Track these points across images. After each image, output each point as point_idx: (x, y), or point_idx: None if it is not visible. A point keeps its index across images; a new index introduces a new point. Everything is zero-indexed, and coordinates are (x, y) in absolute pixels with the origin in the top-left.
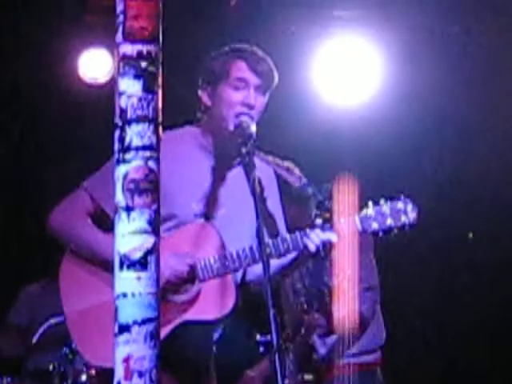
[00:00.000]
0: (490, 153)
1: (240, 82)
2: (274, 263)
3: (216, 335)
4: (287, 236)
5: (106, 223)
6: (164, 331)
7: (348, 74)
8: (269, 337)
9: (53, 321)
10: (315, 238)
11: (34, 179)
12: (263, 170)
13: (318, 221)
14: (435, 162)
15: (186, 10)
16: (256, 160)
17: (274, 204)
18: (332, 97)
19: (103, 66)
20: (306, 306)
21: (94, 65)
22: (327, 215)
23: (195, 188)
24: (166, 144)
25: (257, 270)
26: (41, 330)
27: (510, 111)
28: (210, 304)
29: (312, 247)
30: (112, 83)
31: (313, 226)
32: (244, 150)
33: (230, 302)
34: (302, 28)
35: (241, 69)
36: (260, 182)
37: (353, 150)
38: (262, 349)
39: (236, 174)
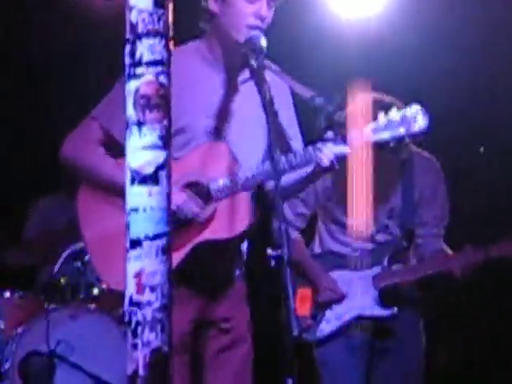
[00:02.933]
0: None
1: None
2: (288, 177)
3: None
4: (300, 151)
5: (117, 150)
6: (182, 252)
7: None
8: (280, 251)
9: (70, 250)
10: (328, 152)
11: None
12: (278, 84)
13: (329, 134)
14: (447, 71)
15: None
16: (270, 74)
17: (289, 120)
18: (340, 8)
19: None
20: None
21: None
22: (338, 127)
23: (205, 103)
24: (173, 60)
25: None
26: (61, 260)
27: None
28: (226, 222)
29: (325, 161)
30: None
31: (324, 139)
32: (255, 64)
33: (246, 220)
34: None
35: None
36: (272, 97)
37: (361, 62)
38: (273, 262)
39: (247, 89)
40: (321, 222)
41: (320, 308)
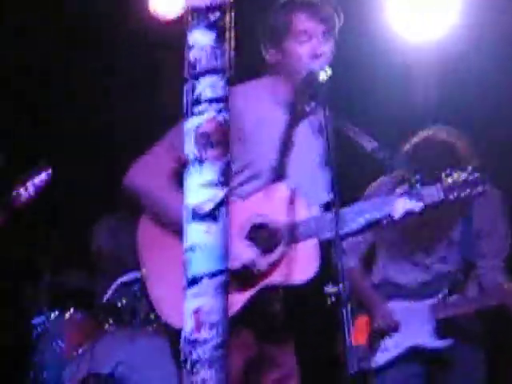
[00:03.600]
0: None
1: (303, 35)
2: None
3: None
4: (368, 203)
5: None
6: (246, 295)
7: (424, 7)
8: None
9: (122, 280)
10: (400, 208)
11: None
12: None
13: (398, 190)
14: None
15: None
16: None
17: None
18: (407, 33)
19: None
20: None
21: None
22: (405, 183)
23: (271, 137)
24: (247, 94)
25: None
26: (112, 289)
27: None
28: (295, 268)
29: (397, 214)
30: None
31: (401, 194)
32: (319, 100)
33: (314, 267)
34: None
35: (302, 20)
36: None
37: (430, 86)
38: (332, 299)
39: (306, 127)
40: (380, 251)
41: (377, 337)
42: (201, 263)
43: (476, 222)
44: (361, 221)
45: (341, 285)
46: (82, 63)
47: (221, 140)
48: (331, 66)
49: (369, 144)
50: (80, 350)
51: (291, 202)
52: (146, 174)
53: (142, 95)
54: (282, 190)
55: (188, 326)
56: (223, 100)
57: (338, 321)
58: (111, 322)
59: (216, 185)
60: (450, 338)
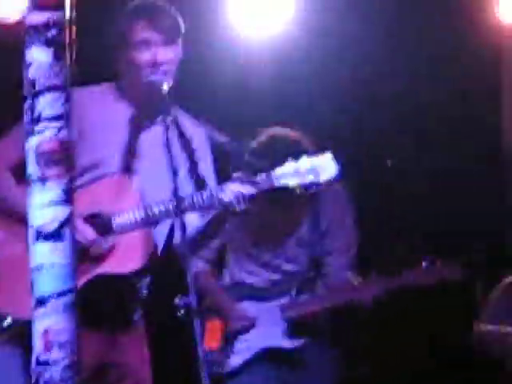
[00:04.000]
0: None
1: (142, 43)
2: (195, 223)
3: (144, 291)
4: (203, 191)
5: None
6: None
7: (262, 3)
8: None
9: None
10: (230, 192)
11: None
12: (195, 130)
13: (236, 175)
14: (349, 94)
15: None
16: (187, 120)
17: (206, 167)
18: (246, 28)
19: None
20: None
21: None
22: (245, 170)
23: (117, 139)
24: (87, 96)
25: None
26: None
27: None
28: (125, 257)
29: (226, 199)
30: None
31: (231, 180)
32: (161, 108)
33: (143, 257)
34: None
35: (139, 30)
36: (190, 143)
37: (267, 80)
38: (182, 312)
39: (158, 131)
40: (229, 253)
41: (230, 339)
42: (47, 283)
43: (322, 219)
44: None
45: (190, 296)
46: None
47: (62, 158)
48: (179, 70)
49: (220, 138)
50: None
51: (124, 192)
52: None
53: None
54: (116, 180)
55: (38, 346)
56: (63, 117)
57: (188, 332)
58: None
59: (59, 203)
60: (301, 337)
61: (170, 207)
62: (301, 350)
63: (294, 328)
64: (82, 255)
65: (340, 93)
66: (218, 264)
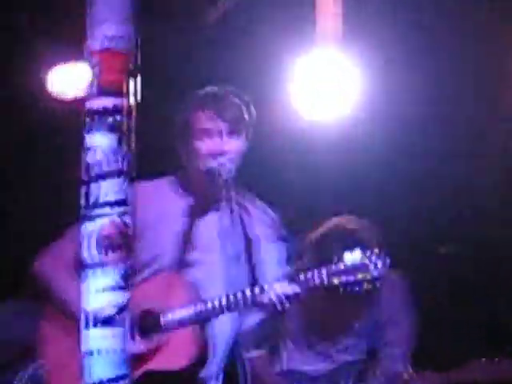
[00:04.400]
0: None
1: (202, 133)
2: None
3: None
4: (247, 290)
5: None
6: None
7: (326, 88)
8: None
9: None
10: (276, 291)
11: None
12: (259, 216)
13: (285, 272)
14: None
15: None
16: (250, 206)
17: (269, 253)
18: (311, 113)
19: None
20: None
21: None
22: (295, 267)
23: (173, 232)
24: (145, 191)
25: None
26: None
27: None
28: (174, 354)
29: (266, 301)
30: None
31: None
32: (223, 196)
33: (192, 353)
34: (280, 44)
35: (202, 120)
36: (253, 229)
37: (331, 166)
38: None
39: (215, 219)
40: (285, 339)
41: None
42: (101, 368)
43: (380, 311)
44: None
45: None
46: None
47: (122, 243)
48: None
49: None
50: None
51: (175, 288)
52: (50, 265)
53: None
54: (173, 278)
55: None
56: (125, 203)
57: None
58: None
59: (117, 289)
60: None
61: (218, 305)
62: None
63: None
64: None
65: (405, 180)
66: (274, 350)
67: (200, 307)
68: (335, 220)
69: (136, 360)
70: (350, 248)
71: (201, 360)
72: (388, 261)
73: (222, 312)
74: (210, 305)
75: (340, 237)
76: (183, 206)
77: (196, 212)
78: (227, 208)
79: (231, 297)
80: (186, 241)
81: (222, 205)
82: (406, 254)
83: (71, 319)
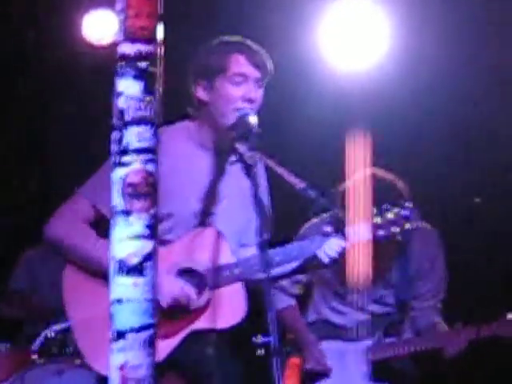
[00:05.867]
0: (500, 116)
1: (239, 77)
2: (281, 269)
3: None
4: (296, 244)
5: (106, 227)
6: (174, 340)
7: (355, 37)
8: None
9: (53, 328)
10: (330, 251)
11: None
12: (258, 166)
13: (328, 229)
14: (445, 128)
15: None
16: (261, 162)
17: (263, 190)
18: (339, 62)
19: (108, 27)
20: None
21: (99, 26)
22: (335, 222)
23: (194, 185)
24: (162, 140)
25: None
26: (41, 338)
27: None
28: (221, 313)
29: (325, 259)
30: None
31: (321, 233)
32: (244, 146)
33: (241, 311)
34: None
35: (240, 63)
36: (256, 179)
37: (361, 116)
38: (261, 351)
39: (235, 170)
40: (316, 290)
41: (308, 379)
42: (127, 317)
43: (413, 262)
44: (288, 265)
45: (272, 336)
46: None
47: (148, 192)
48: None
49: (298, 183)
50: (7, 382)
51: (216, 246)
52: (65, 222)
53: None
54: (207, 234)
55: (114, 380)
56: (151, 151)
57: (267, 371)
58: (40, 353)
59: (143, 237)
60: (384, 380)
61: (267, 260)
62: None
63: (378, 371)
64: (177, 312)
65: (434, 128)
66: (304, 299)
67: (246, 263)
68: (373, 169)
69: (182, 319)
70: (384, 198)
71: (247, 318)
72: (419, 215)
73: (271, 267)
74: (256, 260)
75: (382, 186)
76: (205, 154)
77: (220, 164)
78: (255, 157)
79: (280, 251)
80: (212, 192)
81: (246, 156)
82: (439, 205)
83: (96, 274)
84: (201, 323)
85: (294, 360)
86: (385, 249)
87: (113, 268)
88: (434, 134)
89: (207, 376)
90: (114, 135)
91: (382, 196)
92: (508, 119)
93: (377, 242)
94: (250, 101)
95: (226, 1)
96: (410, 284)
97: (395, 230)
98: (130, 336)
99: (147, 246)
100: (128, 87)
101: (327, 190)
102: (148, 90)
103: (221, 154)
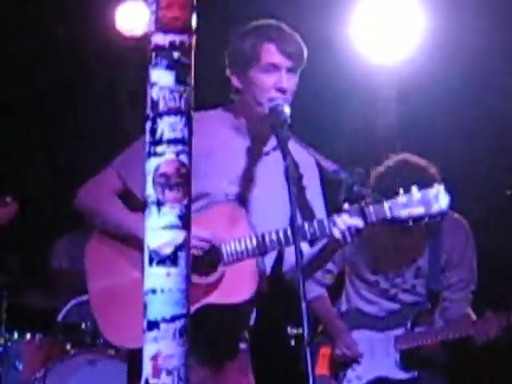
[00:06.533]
0: None
1: (271, 66)
2: (304, 253)
3: (251, 321)
4: (314, 221)
5: (133, 202)
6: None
7: (389, 29)
8: (300, 330)
9: (75, 301)
10: (341, 224)
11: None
12: (304, 157)
13: (346, 206)
14: (478, 123)
15: None
16: (296, 146)
17: (313, 193)
18: (372, 54)
19: (140, 18)
20: None
21: (131, 17)
22: (357, 200)
23: (229, 168)
24: (200, 123)
25: (291, 259)
26: (64, 311)
27: None
28: (234, 288)
29: (337, 233)
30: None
31: (339, 211)
32: (279, 134)
33: (253, 287)
34: None
35: (271, 53)
36: (298, 169)
37: (393, 109)
38: (292, 342)
39: (272, 158)
40: (348, 280)
41: (339, 367)
42: (159, 307)
43: (444, 252)
44: (312, 249)
45: (304, 326)
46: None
47: (180, 182)
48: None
49: (330, 166)
50: (39, 374)
51: (234, 220)
52: (95, 191)
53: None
54: (227, 208)
55: (146, 370)
56: (183, 142)
57: (300, 361)
58: (72, 343)
59: (175, 228)
60: (414, 369)
61: (283, 236)
62: (413, 382)
63: (408, 359)
64: (191, 284)
65: (466, 119)
66: (336, 289)
67: (263, 238)
68: (402, 156)
69: (196, 293)
70: (417, 183)
71: (258, 294)
72: (448, 198)
73: (287, 243)
74: (274, 236)
75: (408, 171)
76: (242, 142)
77: (256, 149)
78: (283, 148)
79: (299, 227)
80: (245, 177)
81: (284, 142)
82: (472, 195)
83: (124, 243)
84: (213, 297)
85: (325, 350)
86: (415, 238)
87: (147, 257)
88: (470, 126)
89: (216, 354)
90: (148, 125)
91: (414, 181)
92: None
93: (402, 224)
94: (282, 90)
95: None
96: (440, 274)
97: (418, 210)
98: (162, 326)
99: (180, 236)
100: (161, 77)
101: (356, 169)
102: (180, 80)
103: (257, 141)
